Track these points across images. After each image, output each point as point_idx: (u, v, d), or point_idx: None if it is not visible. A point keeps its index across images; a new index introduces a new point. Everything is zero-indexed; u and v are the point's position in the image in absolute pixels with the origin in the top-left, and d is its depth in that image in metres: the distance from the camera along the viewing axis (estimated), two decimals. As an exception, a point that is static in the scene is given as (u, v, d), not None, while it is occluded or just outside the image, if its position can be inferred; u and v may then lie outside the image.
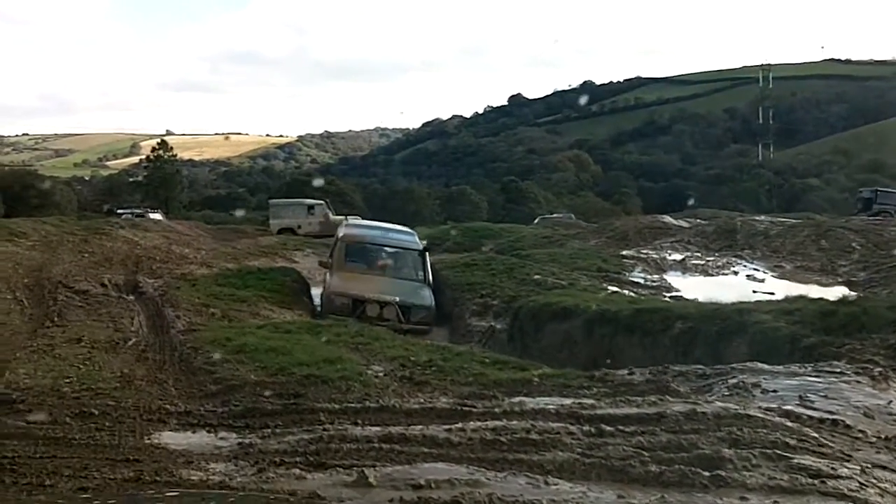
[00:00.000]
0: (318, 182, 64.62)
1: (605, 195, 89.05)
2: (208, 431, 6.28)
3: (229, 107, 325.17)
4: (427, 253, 16.58)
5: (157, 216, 41.46)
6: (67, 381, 8.14)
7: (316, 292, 17.11)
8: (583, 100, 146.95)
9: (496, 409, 6.60)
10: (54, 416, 6.85)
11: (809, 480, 4.92)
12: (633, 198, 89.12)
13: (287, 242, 26.85)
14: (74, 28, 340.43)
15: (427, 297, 15.29)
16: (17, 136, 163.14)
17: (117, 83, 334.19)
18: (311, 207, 37.03)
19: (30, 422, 6.59)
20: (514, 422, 6.17)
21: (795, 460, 5.20)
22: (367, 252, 16.45)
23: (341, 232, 17.65)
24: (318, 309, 15.67)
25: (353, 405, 6.91)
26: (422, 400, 7.04)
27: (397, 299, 14.69)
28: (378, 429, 6.10)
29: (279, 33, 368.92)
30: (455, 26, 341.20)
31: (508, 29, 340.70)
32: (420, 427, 6.15)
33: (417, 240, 17.37)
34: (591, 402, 6.76)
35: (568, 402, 6.82)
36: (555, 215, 53.11)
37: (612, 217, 49.91)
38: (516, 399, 6.97)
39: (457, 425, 6.12)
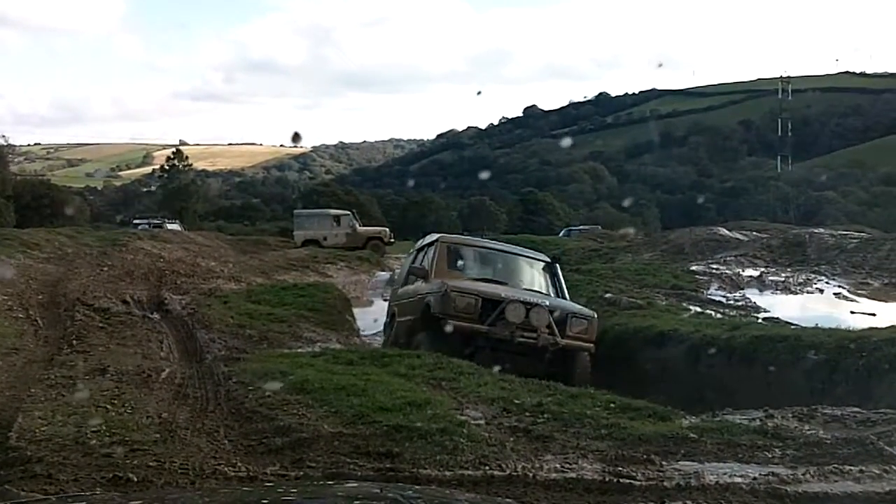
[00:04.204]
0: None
1: (623, 207, 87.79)
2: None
3: (243, 117, 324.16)
4: (558, 265, 13.02)
5: (174, 226, 40.14)
6: (94, 429, 6.51)
7: (358, 311, 15.55)
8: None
9: (664, 484, 5.00)
10: (81, 484, 5.29)
11: None
12: (652, 209, 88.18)
13: (318, 255, 25.33)
14: (88, 37, 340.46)
15: (583, 307, 11.75)
16: (29, 145, 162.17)
17: (131, 93, 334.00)
18: (337, 218, 35.53)
19: (48, 494, 5.01)
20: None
21: None
22: (478, 257, 12.89)
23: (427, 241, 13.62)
24: (388, 334, 13.16)
25: (468, 472, 5.32)
26: (558, 466, 5.42)
27: (547, 303, 11.00)
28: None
29: (294, 44, 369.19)
30: (470, 38, 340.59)
31: (524, 41, 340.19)
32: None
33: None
34: (786, 471, 5.17)
35: (754, 471, 5.21)
36: (581, 227, 51.81)
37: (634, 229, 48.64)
38: (682, 465, 5.35)
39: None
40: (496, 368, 8.85)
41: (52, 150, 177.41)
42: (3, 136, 54.41)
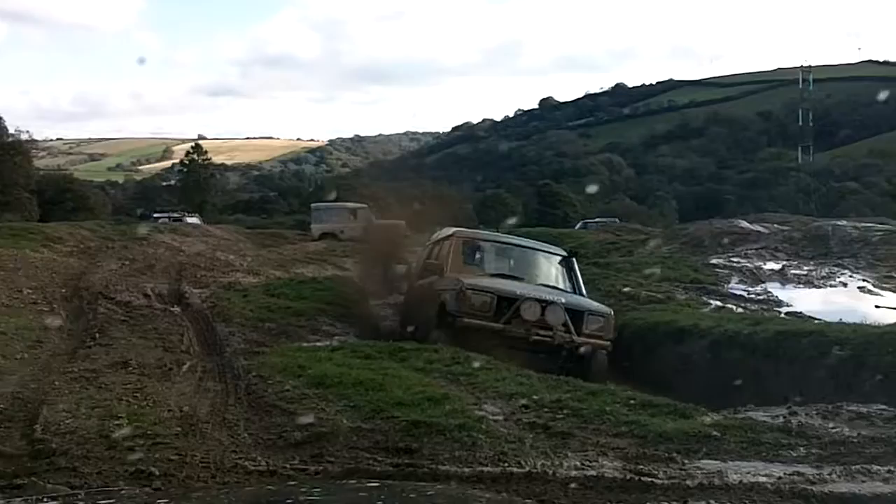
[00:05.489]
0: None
1: (640, 199, 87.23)
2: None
3: (260, 111, 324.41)
4: (575, 260, 12.79)
5: (194, 220, 40.23)
6: (117, 422, 6.57)
7: (376, 305, 15.52)
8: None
9: (687, 483, 4.97)
10: (104, 477, 5.35)
11: None
12: (669, 201, 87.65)
13: (336, 248, 25.32)
14: (108, 33, 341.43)
15: (599, 304, 11.57)
16: (51, 140, 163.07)
17: (150, 88, 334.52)
18: (354, 211, 35.49)
19: (75, 487, 5.07)
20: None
21: None
22: (493, 252, 12.70)
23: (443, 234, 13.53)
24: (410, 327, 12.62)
25: (487, 469, 5.32)
26: (578, 463, 5.41)
27: (563, 300, 10.93)
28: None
29: (310, 38, 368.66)
30: (485, 30, 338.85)
31: (539, 32, 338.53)
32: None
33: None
34: (811, 471, 5.13)
35: (778, 470, 5.18)
36: (598, 220, 51.35)
37: (649, 221, 48.25)
38: (704, 464, 5.33)
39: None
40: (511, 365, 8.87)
41: (73, 145, 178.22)
42: (26, 132, 54.65)
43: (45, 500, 2.46)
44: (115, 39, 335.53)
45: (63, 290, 14.20)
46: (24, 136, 52.58)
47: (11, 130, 51.46)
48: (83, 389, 7.73)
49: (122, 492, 3.09)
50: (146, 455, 5.73)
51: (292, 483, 3.68)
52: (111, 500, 2.11)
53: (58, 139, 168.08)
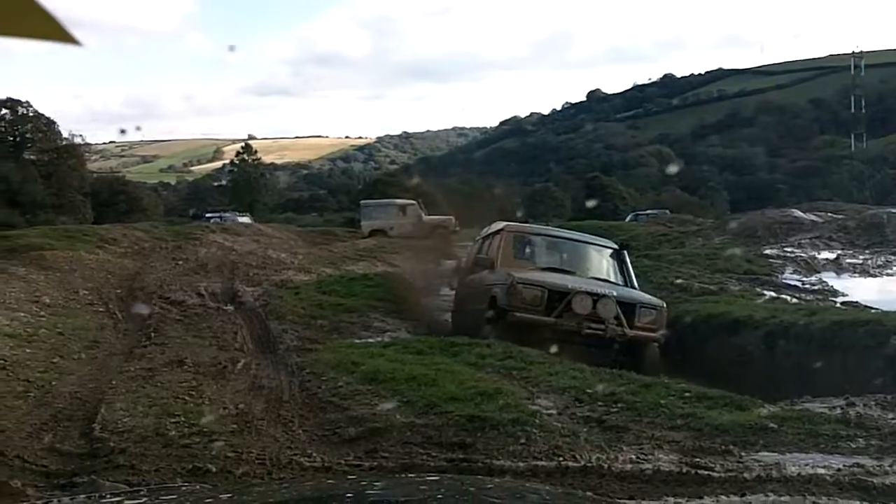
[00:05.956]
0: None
1: (690, 190, 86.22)
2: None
3: (310, 110, 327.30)
4: (626, 252, 12.70)
5: (245, 219, 40.69)
6: (174, 420, 6.65)
7: (426, 300, 15.50)
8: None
9: (744, 475, 4.89)
10: (162, 474, 5.41)
11: None
12: (720, 192, 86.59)
13: (385, 245, 25.39)
14: (158, 36, 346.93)
15: (651, 296, 11.39)
16: (104, 143, 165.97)
17: (201, 89, 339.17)
18: (403, 208, 35.64)
19: (133, 485, 5.14)
20: (780, 496, 4.46)
21: None
22: (544, 245, 12.60)
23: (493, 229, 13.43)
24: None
25: (542, 463, 5.29)
26: (633, 457, 5.35)
27: (615, 293, 10.76)
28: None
29: (359, 36, 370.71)
30: (531, 23, 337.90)
31: (586, 25, 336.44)
32: (647, 502, 4.51)
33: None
34: (871, 462, 5.01)
35: (837, 462, 5.07)
36: (649, 212, 50.88)
37: (701, 212, 47.60)
38: (762, 456, 5.24)
39: (699, 501, 4.45)
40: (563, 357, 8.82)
41: (126, 148, 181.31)
42: (80, 135, 55.64)
43: (107, 496, 2.47)
44: (165, 42, 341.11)
45: (118, 291, 14.44)
46: (77, 140, 53.60)
47: (65, 134, 52.48)
48: (140, 388, 7.83)
49: (183, 488, 3.10)
50: (202, 452, 5.79)
51: (351, 477, 3.68)
52: (172, 497, 2.11)
53: (110, 142, 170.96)
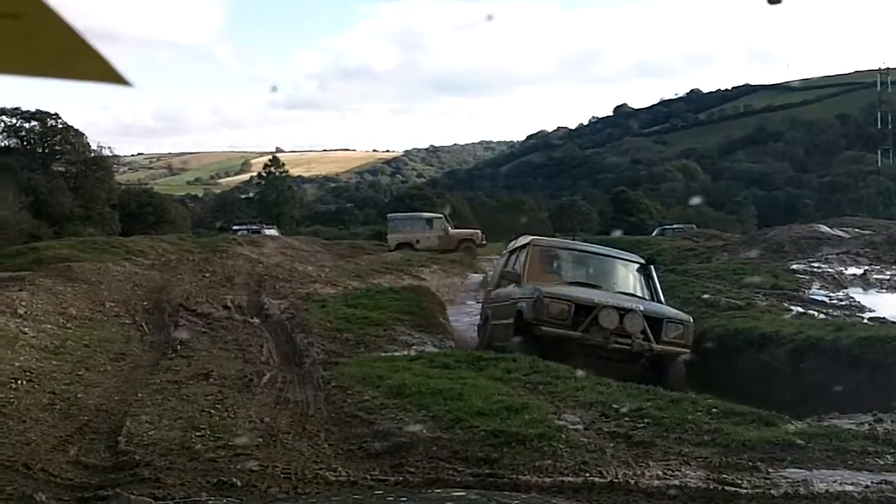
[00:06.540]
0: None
1: (717, 205, 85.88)
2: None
3: (337, 123, 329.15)
4: (653, 267, 12.69)
5: (272, 232, 40.94)
6: (199, 434, 6.66)
7: (452, 314, 15.48)
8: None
9: (772, 492, 4.83)
10: (187, 488, 5.41)
11: None
12: (747, 206, 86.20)
13: (412, 258, 25.42)
14: (187, 49, 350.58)
15: (678, 311, 11.42)
16: (132, 155, 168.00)
17: (229, 102, 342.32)
18: (429, 221, 35.72)
19: (158, 498, 5.15)
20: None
21: None
22: (571, 259, 12.69)
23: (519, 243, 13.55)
24: (484, 337, 12.99)
25: (569, 479, 5.24)
26: (660, 473, 5.30)
27: (642, 307, 10.77)
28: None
29: (387, 50, 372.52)
30: (558, 39, 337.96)
31: (613, 40, 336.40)
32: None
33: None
34: (901, 480, 4.92)
35: (865, 479, 5.00)
36: (675, 226, 50.74)
37: (727, 227, 47.28)
38: (789, 472, 5.17)
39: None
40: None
41: (154, 160, 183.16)
42: (109, 147, 56.27)
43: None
44: (194, 55, 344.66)
45: (145, 303, 14.49)
46: (105, 152, 54.14)
47: (94, 146, 53.05)
48: (165, 401, 7.84)
49: (209, 502, 3.11)
50: (228, 466, 5.79)
51: (378, 492, 3.67)
52: None
53: (138, 154, 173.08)
